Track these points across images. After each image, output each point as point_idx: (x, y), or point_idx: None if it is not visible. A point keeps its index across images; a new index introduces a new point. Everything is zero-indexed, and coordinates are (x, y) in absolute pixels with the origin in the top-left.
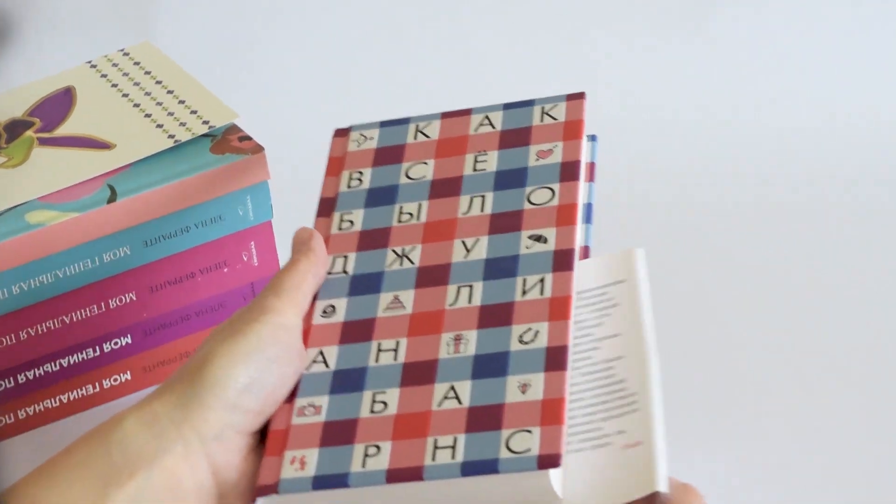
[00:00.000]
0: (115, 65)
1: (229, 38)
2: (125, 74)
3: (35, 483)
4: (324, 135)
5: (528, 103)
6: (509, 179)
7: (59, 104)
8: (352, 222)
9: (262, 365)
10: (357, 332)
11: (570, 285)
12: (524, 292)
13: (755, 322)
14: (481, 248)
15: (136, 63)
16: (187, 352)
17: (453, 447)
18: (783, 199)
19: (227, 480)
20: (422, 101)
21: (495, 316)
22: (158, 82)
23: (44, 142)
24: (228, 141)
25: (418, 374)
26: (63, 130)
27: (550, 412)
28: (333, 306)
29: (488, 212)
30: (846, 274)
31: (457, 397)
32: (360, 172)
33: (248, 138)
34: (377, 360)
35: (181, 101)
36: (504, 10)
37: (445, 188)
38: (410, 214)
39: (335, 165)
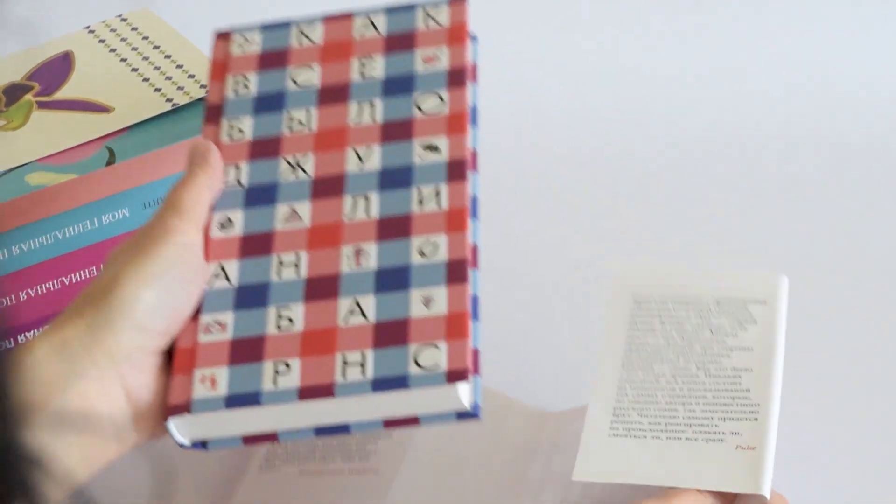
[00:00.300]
0: (113, 30)
1: (226, 3)
2: (123, 39)
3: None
4: None
5: (410, 7)
6: (397, 86)
7: (58, 68)
8: (241, 130)
9: (169, 285)
10: (256, 245)
11: (465, 196)
12: (420, 202)
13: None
14: (374, 158)
15: (134, 28)
16: None
17: (362, 364)
18: (770, 162)
19: (140, 401)
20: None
21: (394, 228)
22: (156, 47)
23: (43, 105)
24: None
25: (322, 288)
26: (62, 94)
27: (455, 326)
28: (230, 219)
29: (379, 120)
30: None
31: (362, 312)
32: (246, 78)
33: None
34: (279, 276)
35: (179, 66)
36: None
37: (334, 95)
38: (301, 122)
39: (219, 70)
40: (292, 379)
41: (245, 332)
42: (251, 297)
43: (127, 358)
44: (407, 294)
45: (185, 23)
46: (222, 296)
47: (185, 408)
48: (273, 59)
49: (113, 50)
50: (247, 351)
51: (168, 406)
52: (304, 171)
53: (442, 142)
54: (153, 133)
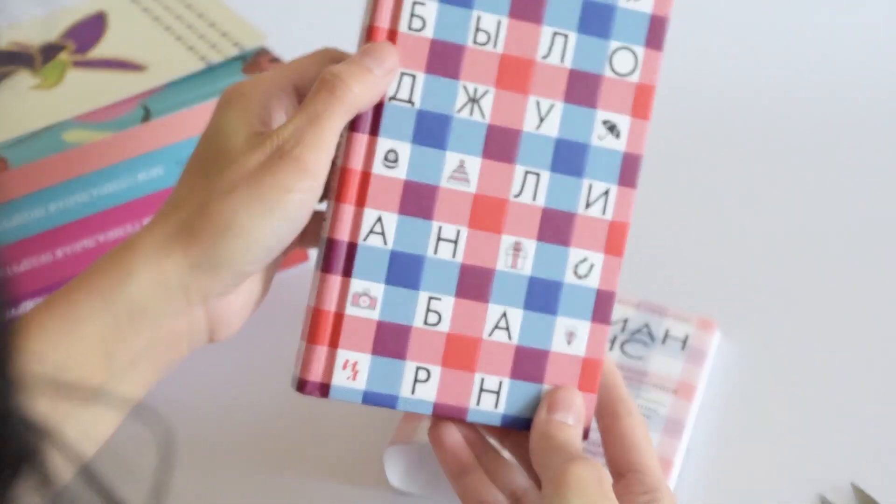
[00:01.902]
0: None
1: None
2: None
3: (39, 336)
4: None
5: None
6: (596, 19)
7: (92, 28)
8: (423, 21)
9: (286, 235)
10: (419, 201)
11: (630, 207)
12: (588, 204)
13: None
14: (554, 121)
15: None
16: None
17: (497, 393)
18: (780, 140)
19: (220, 320)
20: None
21: (556, 228)
22: (188, 6)
23: (78, 64)
24: (259, 62)
25: (475, 284)
26: (96, 53)
27: (588, 376)
28: (396, 153)
29: (568, 65)
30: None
31: (507, 329)
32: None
33: (278, 60)
34: (436, 252)
35: (211, 24)
36: None
37: (527, 7)
38: (487, 35)
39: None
40: (430, 391)
41: (393, 317)
42: (405, 271)
43: (221, 295)
44: (553, 321)
45: None
46: (377, 259)
47: (322, 390)
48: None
49: (146, 9)
50: (392, 341)
51: (300, 379)
52: (482, 110)
53: (624, 123)
54: (187, 90)
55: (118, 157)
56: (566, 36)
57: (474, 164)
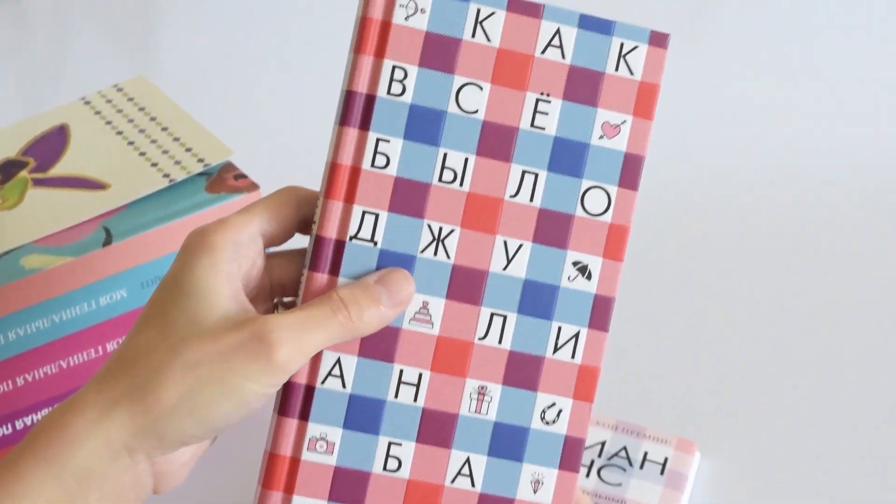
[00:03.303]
0: (108, 101)
1: (224, 71)
2: (119, 111)
3: None
4: (320, 170)
5: (607, 29)
6: (567, 158)
7: (54, 143)
8: (387, 158)
9: (238, 418)
10: (379, 345)
11: (601, 352)
12: (556, 348)
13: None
14: (522, 262)
15: (130, 99)
16: None
17: None
18: (776, 213)
19: (164, 474)
20: None
21: (523, 372)
22: (153, 119)
23: (38, 182)
24: (224, 179)
25: (436, 429)
26: (57, 170)
27: None
28: None
29: (537, 204)
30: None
31: (470, 475)
32: (405, 71)
33: (244, 176)
34: (396, 395)
35: (176, 139)
36: None
37: (497, 143)
38: (454, 173)
39: (373, 37)
40: None
41: (351, 462)
42: (364, 415)
43: (168, 455)
44: (518, 468)
45: (182, 90)
46: (335, 403)
47: None
48: (440, 52)
49: (109, 122)
50: (350, 488)
51: None
52: (447, 250)
53: (595, 264)
54: (150, 210)
55: (79, 282)
56: (536, 174)
57: (438, 304)
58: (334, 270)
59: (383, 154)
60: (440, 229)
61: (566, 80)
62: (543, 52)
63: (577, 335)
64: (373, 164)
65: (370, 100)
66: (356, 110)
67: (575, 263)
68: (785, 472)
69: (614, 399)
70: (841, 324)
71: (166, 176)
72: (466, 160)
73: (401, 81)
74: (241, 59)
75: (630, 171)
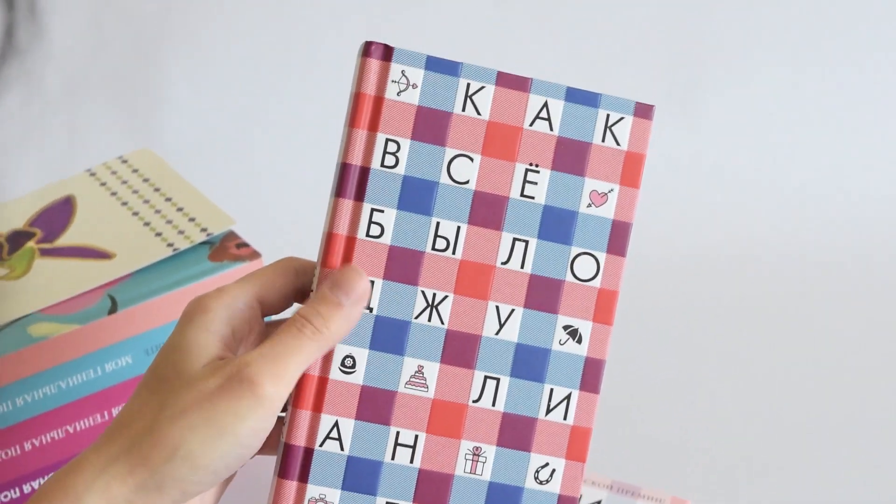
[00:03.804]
0: (113, 172)
1: (226, 144)
2: (124, 182)
3: None
4: (319, 240)
5: (594, 101)
6: (556, 226)
7: (60, 214)
8: (382, 228)
9: (236, 460)
10: (376, 408)
11: (592, 414)
12: (548, 410)
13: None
14: (514, 327)
15: (135, 170)
16: None
17: None
18: (775, 280)
19: None
20: None
21: (516, 433)
22: (157, 189)
23: (45, 252)
24: (226, 248)
25: (433, 489)
26: (64, 241)
27: None
28: (354, 359)
29: (528, 270)
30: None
31: None
32: (398, 144)
33: (246, 245)
34: (392, 457)
35: (179, 209)
36: None
37: (488, 212)
38: (446, 241)
39: (367, 111)
40: None
41: None
42: (362, 476)
43: None
44: None
45: (185, 162)
46: (333, 464)
47: None
48: (432, 125)
49: (114, 193)
50: None
51: None
52: (440, 316)
53: (586, 328)
54: (154, 279)
55: (85, 349)
56: (527, 242)
57: (433, 369)
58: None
59: (378, 224)
60: (434, 295)
61: (554, 150)
62: (532, 124)
63: (568, 397)
64: (368, 234)
65: (364, 172)
66: (351, 182)
67: (566, 327)
68: None
69: (609, 459)
70: (829, 383)
71: (170, 245)
72: (459, 228)
73: (394, 154)
74: (242, 133)
75: (618, 237)
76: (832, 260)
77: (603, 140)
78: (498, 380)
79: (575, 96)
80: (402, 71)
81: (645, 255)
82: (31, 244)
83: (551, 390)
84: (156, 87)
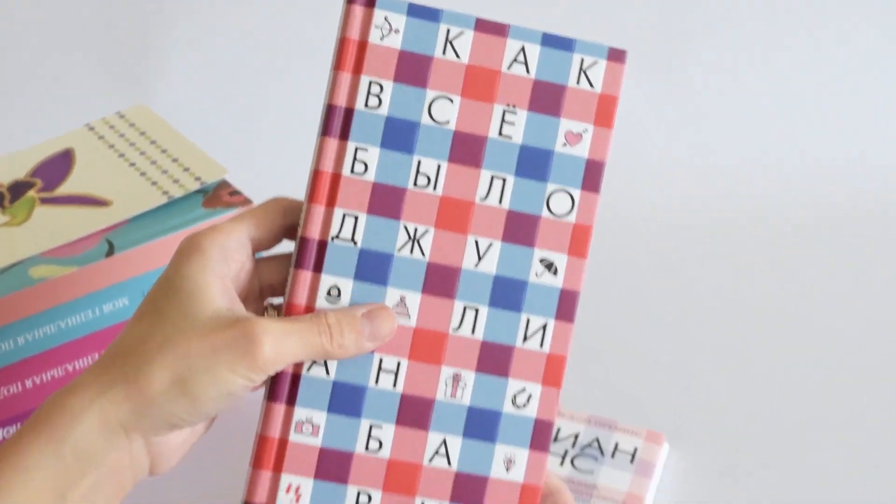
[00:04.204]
0: (111, 126)
1: (218, 96)
2: (121, 135)
3: None
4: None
5: (569, 46)
6: (533, 164)
7: (59, 165)
8: (366, 165)
9: (223, 406)
10: None
11: (567, 341)
12: (525, 338)
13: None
14: (492, 259)
15: (132, 125)
16: None
17: None
18: (762, 240)
19: (159, 456)
20: None
21: (494, 360)
22: (153, 142)
23: (45, 201)
24: (219, 195)
25: (414, 413)
26: (63, 190)
27: (527, 502)
28: (339, 289)
29: (506, 206)
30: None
31: (447, 455)
32: (381, 86)
33: (238, 192)
34: (377, 382)
35: (174, 160)
36: None
37: (467, 151)
38: (428, 179)
39: (351, 55)
40: None
41: (335, 444)
42: (347, 399)
43: (162, 436)
44: (492, 449)
45: (179, 116)
46: (319, 389)
47: None
48: (413, 68)
49: (111, 146)
50: (334, 467)
51: (247, 502)
52: (422, 249)
53: (561, 261)
54: (150, 224)
55: (84, 291)
56: (504, 179)
57: (415, 299)
58: (318, 268)
59: (362, 161)
60: (416, 230)
61: (531, 92)
62: (509, 67)
63: (544, 326)
64: (352, 171)
65: (349, 112)
66: (336, 122)
67: (542, 260)
68: (747, 462)
69: (587, 395)
70: (804, 319)
71: (165, 193)
72: (439, 166)
73: (377, 95)
74: (232, 86)
75: (592, 175)
76: (816, 213)
77: (578, 83)
78: (477, 310)
79: (551, 41)
80: (385, 17)
81: (623, 190)
82: (31, 193)
83: (528, 320)
84: (149, 48)
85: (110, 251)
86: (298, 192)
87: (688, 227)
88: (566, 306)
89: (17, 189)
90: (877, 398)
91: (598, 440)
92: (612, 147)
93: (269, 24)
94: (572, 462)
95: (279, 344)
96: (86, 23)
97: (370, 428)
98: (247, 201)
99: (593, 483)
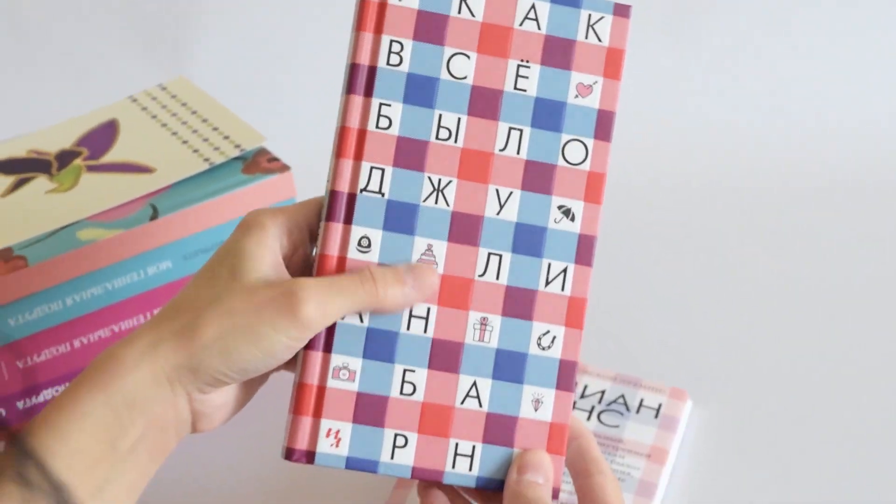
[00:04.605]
0: (153, 98)
1: (256, 68)
2: (163, 107)
3: (48, 432)
4: None
5: (576, 2)
6: (547, 115)
7: (104, 135)
8: (390, 120)
9: (264, 366)
10: None
11: (587, 283)
12: (547, 282)
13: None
14: (513, 207)
15: (173, 96)
16: None
17: (471, 457)
18: (772, 202)
19: (202, 413)
20: None
21: (519, 304)
22: (193, 112)
23: (91, 168)
24: (258, 162)
25: (445, 357)
26: (108, 158)
27: (556, 439)
28: (369, 239)
29: (523, 156)
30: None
31: (478, 397)
32: (401, 44)
33: (276, 159)
34: (408, 328)
35: (215, 129)
36: None
37: (485, 104)
38: (449, 132)
39: (372, 15)
40: (408, 456)
41: (371, 388)
42: (381, 345)
43: (201, 392)
44: (520, 389)
45: (218, 87)
46: (354, 335)
47: (307, 457)
48: (431, 27)
49: (154, 116)
50: (371, 411)
51: (287, 447)
52: (446, 199)
53: (578, 207)
54: (192, 190)
55: (129, 253)
56: (521, 130)
57: (441, 247)
58: (348, 220)
59: (386, 117)
60: (439, 181)
61: (542, 47)
62: (521, 24)
63: (565, 270)
64: (377, 126)
65: (372, 70)
66: (360, 80)
67: (560, 207)
68: (766, 417)
69: (614, 353)
70: (824, 278)
71: (206, 160)
72: (459, 120)
73: (398, 53)
74: (268, 58)
75: (603, 124)
76: (844, 169)
77: (586, 37)
78: (500, 256)
79: None
80: None
81: (650, 165)
82: (78, 161)
83: (549, 264)
84: (187, 21)
85: (154, 215)
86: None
87: (710, 186)
88: (584, 251)
89: (64, 158)
90: None
91: (623, 396)
92: (633, 105)
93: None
94: (599, 417)
95: (321, 300)
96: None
97: (404, 372)
98: (284, 167)
99: (619, 437)
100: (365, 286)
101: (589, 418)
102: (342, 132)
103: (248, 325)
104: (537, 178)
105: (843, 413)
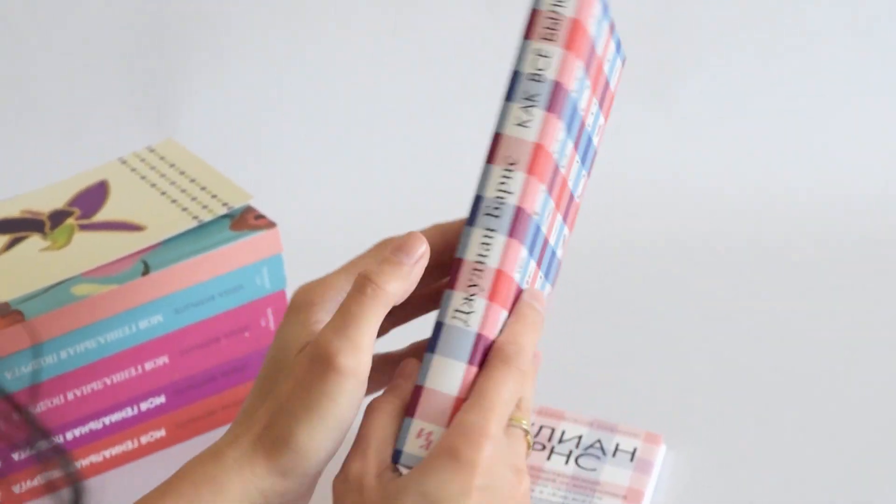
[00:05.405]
0: (142, 160)
1: (241, 129)
2: (152, 168)
3: None
4: (329, 211)
5: None
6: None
7: (95, 195)
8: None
9: (340, 437)
10: None
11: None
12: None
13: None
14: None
15: (162, 157)
16: (214, 409)
17: None
18: (758, 269)
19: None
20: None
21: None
22: (182, 172)
23: (84, 227)
24: (245, 219)
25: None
26: (100, 217)
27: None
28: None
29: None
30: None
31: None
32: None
33: (262, 216)
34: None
35: (203, 188)
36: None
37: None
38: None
39: (579, 41)
40: None
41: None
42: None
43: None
44: None
45: (206, 147)
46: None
47: (392, 455)
48: (589, 59)
49: (143, 177)
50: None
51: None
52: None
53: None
54: (182, 246)
55: (122, 307)
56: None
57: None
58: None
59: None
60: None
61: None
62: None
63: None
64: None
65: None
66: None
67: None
68: (739, 461)
69: (590, 399)
70: (799, 323)
71: (195, 218)
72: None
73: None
74: (253, 120)
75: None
76: (812, 219)
77: None
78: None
79: None
80: None
81: (630, 203)
82: (70, 220)
83: None
84: (174, 89)
85: (146, 271)
86: (322, 213)
87: (684, 233)
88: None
89: (57, 217)
90: (873, 399)
91: (600, 441)
92: (610, 163)
93: (286, 58)
94: (577, 461)
95: (345, 341)
96: (112, 64)
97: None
98: (270, 224)
99: (596, 479)
100: (366, 290)
101: (567, 462)
102: (536, 149)
103: (305, 409)
104: None
105: (816, 459)
